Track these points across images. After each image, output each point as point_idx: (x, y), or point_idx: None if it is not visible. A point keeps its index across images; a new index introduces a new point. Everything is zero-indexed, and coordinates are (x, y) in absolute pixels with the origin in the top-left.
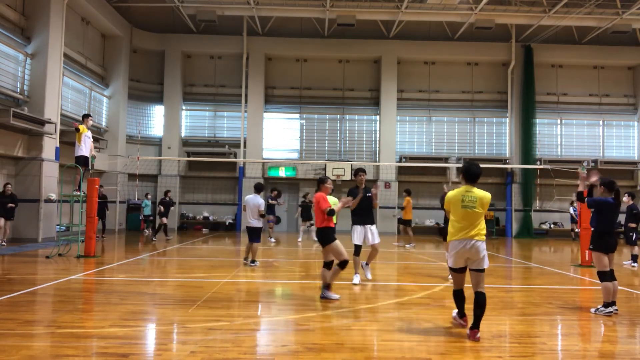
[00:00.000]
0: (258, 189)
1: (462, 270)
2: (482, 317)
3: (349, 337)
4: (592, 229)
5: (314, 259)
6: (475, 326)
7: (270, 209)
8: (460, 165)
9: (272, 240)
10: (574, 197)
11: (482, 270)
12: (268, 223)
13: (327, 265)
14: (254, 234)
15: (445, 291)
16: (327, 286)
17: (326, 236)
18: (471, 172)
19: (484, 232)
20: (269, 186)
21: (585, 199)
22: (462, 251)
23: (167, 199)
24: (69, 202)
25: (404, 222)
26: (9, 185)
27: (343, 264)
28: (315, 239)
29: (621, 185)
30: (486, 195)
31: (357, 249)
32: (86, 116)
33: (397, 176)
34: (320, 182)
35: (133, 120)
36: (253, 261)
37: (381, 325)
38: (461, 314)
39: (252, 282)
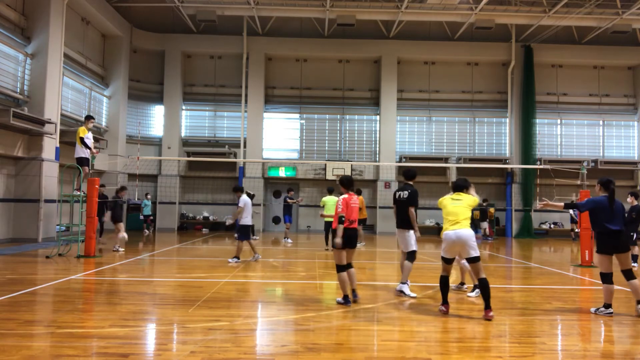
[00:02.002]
0: (245, 191)
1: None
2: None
3: (349, 337)
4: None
5: (314, 259)
6: (487, 307)
7: (287, 209)
8: (460, 165)
9: (289, 241)
10: (573, 197)
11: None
12: (288, 223)
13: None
14: (250, 232)
15: None
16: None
17: None
18: (456, 184)
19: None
20: (270, 187)
21: (577, 204)
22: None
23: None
24: (69, 202)
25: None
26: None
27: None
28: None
29: (621, 185)
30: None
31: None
32: (88, 118)
33: (397, 176)
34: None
35: (133, 120)
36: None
37: (381, 325)
38: (444, 301)
39: (252, 282)
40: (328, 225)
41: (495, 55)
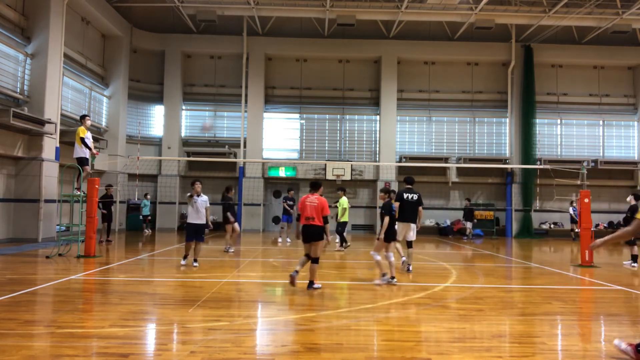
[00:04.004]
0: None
1: None
2: None
3: (349, 337)
4: None
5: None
6: None
7: (286, 209)
8: (460, 165)
9: (280, 240)
10: (573, 197)
11: None
12: (288, 223)
13: None
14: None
15: (445, 291)
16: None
17: None
18: None
19: None
20: (270, 187)
21: None
22: None
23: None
24: (69, 202)
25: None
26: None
27: None
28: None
29: (621, 186)
30: None
31: None
32: (83, 117)
33: (397, 176)
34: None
35: (133, 120)
36: (196, 260)
37: (381, 325)
38: None
39: (252, 282)
40: (340, 225)
41: (495, 55)
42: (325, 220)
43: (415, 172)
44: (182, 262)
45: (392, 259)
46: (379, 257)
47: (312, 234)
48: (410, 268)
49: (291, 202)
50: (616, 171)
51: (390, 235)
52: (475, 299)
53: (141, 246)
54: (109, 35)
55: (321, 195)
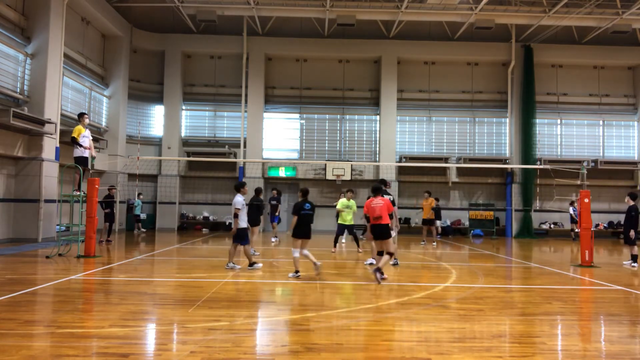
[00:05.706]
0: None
1: None
2: None
3: (349, 337)
4: None
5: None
6: None
7: (273, 208)
8: (460, 165)
9: (275, 239)
10: (573, 197)
11: None
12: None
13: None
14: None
15: (445, 291)
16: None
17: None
18: None
19: None
20: (270, 187)
21: None
22: None
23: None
24: (69, 202)
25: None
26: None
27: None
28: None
29: (621, 186)
30: None
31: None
32: (81, 115)
33: (397, 176)
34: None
35: (133, 120)
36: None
37: (381, 325)
38: None
39: (252, 282)
40: (341, 228)
41: (495, 55)
42: (390, 216)
43: (415, 172)
44: (259, 265)
45: (297, 255)
46: (297, 255)
47: (381, 232)
48: (395, 262)
49: (274, 202)
50: (616, 171)
51: (299, 234)
52: (475, 299)
53: (141, 246)
54: (109, 35)
55: (383, 196)
